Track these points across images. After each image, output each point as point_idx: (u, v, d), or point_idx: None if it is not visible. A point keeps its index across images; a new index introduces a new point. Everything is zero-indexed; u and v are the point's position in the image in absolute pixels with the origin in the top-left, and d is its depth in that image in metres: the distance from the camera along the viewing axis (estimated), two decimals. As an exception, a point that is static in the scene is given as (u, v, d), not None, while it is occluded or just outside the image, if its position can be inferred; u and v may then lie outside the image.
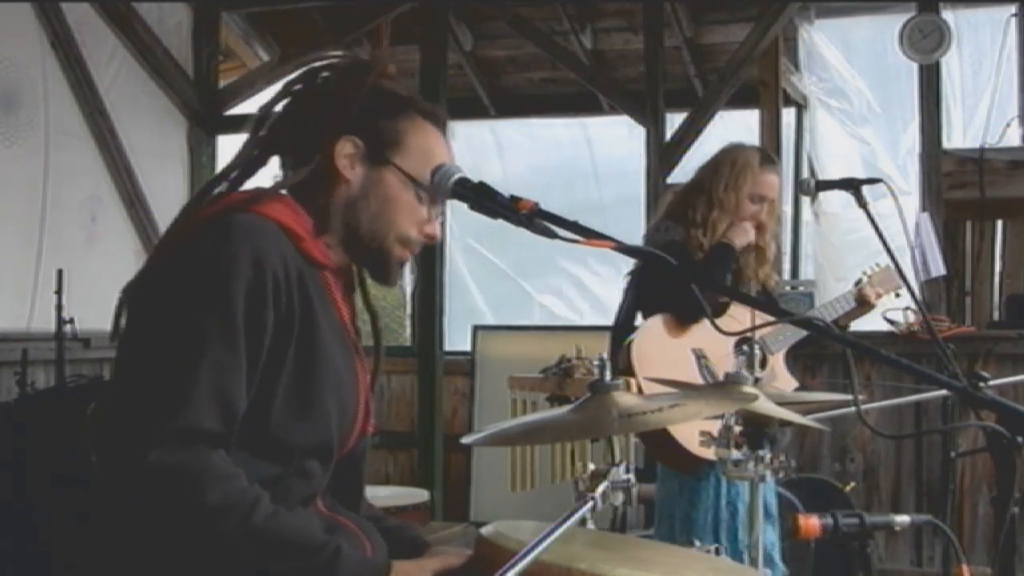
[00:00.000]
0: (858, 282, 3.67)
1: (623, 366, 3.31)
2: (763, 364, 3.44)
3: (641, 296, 3.52)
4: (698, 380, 3.33)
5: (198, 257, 1.64)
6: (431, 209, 1.84)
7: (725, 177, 3.47)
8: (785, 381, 3.43)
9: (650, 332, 3.43)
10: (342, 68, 1.85)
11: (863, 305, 3.59)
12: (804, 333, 3.44)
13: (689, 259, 3.34)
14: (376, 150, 1.80)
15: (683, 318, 3.39)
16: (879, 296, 3.62)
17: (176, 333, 1.59)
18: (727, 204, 3.44)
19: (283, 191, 1.79)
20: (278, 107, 1.84)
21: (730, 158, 3.52)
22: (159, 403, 1.54)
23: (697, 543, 2.10)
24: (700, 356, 3.41)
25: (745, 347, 3.42)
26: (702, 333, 3.37)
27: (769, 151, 3.87)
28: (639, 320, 3.54)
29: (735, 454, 2.19)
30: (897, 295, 3.72)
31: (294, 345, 1.67)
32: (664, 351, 3.35)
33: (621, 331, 3.53)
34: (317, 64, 1.86)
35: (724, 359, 3.45)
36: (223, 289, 1.60)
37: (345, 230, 1.80)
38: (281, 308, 1.65)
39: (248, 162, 1.83)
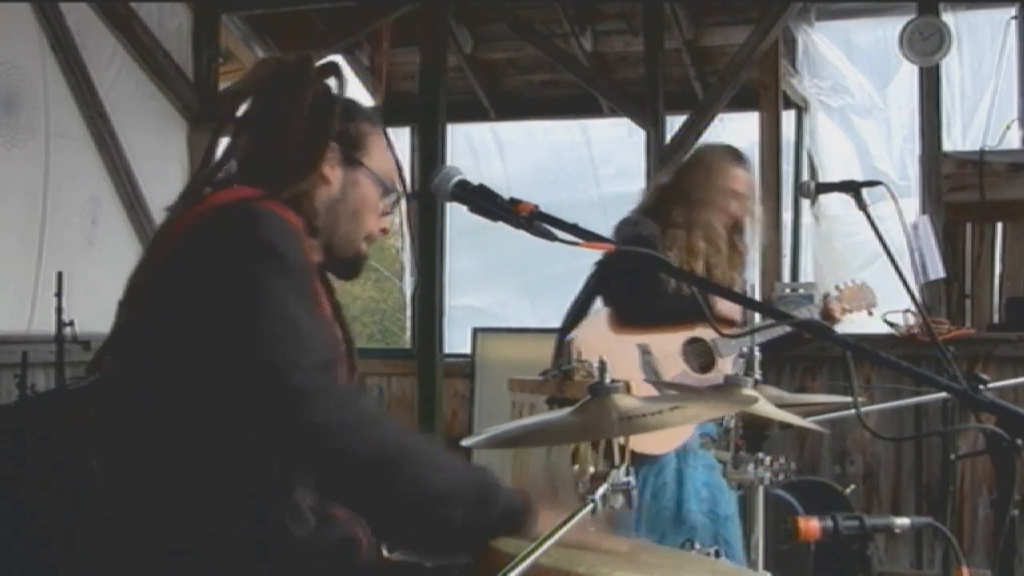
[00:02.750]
0: (826, 295, 3.67)
1: (565, 358, 3.34)
2: (710, 366, 3.45)
3: (602, 289, 3.54)
4: (638, 375, 3.35)
5: (248, 234, 1.66)
6: (389, 206, 1.96)
7: (700, 176, 3.53)
8: None
9: (594, 325, 3.47)
10: (305, 72, 1.87)
11: (828, 319, 3.57)
12: (758, 341, 3.43)
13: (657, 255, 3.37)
14: (349, 152, 1.89)
15: (634, 319, 3.41)
16: (845, 312, 3.61)
17: (255, 293, 1.61)
18: (706, 202, 3.48)
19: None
20: (259, 110, 1.87)
21: (703, 157, 3.60)
22: (280, 350, 1.56)
23: (697, 545, 2.10)
24: (645, 352, 3.42)
25: (691, 346, 3.45)
26: (652, 331, 3.39)
27: (738, 150, 3.91)
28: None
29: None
30: (870, 313, 3.70)
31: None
32: (607, 345, 3.36)
33: (571, 320, 3.55)
34: (267, 75, 1.89)
35: (671, 357, 3.46)
36: (283, 258, 1.64)
37: (326, 230, 1.87)
38: (311, 286, 1.72)
39: (222, 167, 1.86)
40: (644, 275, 3.42)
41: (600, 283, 3.56)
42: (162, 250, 1.75)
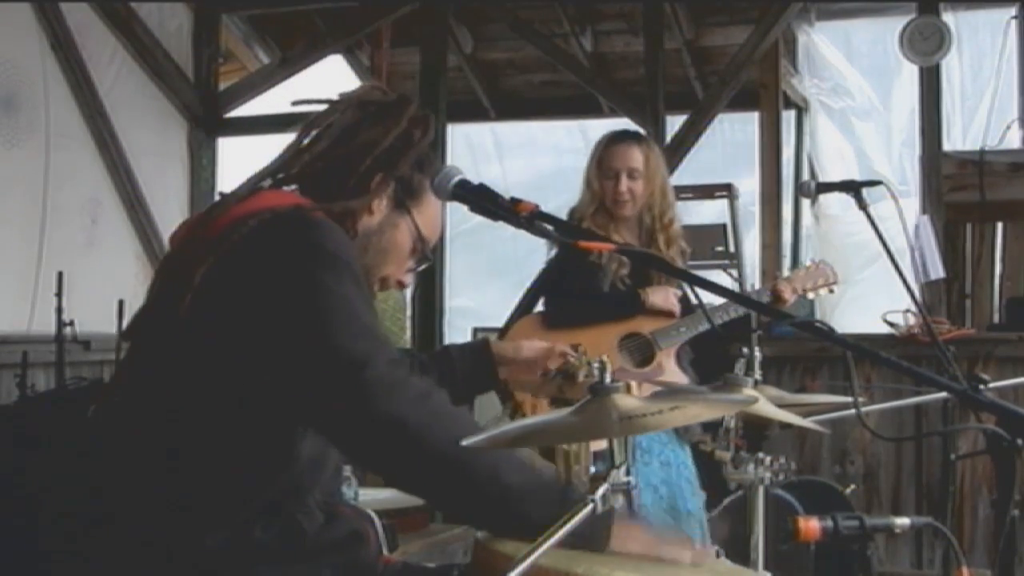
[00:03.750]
0: (776, 277, 3.66)
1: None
2: (649, 360, 3.44)
3: (543, 292, 3.55)
4: None
5: (311, 239, 1.69)
6: (415, 264, 1.99)
7: (591, 164, 3.54)
8: (673, 378, 3.41)
9: (529, 323, 3.48)
10: (403, 111, 1.93)
11: (777, 301, 3.55)
12: (700, 330, 3.43)
13: (578, 260, 3.38)
14: (403, 196, 1.93)
15: (567, 319, 3.42)
16: (796, 293, 3.58)
17: (331, 295, 1.64)
18: (596, 188, 3.49)
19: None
20: (331, 126, 1.89)
21: (591, 150, 3.59)
22: (357, 344, 1.60)
23: (697, 545, 2.10)
24: (577, 351, 3.41)
25: (629, 341, 3.45)
26: (586, 328, 3.39)
27: (627, 131, 3.89)
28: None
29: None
30: (831, 291, 3.68)
31: None
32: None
33: (512, 321, 3.56)
34: (371, 98, 1.95)
35: (607, 354, 3.44)
36: (349, 265, 1.69)
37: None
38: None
39: (289, 168, 1.88)
40: (580, 278, 3.43)
41: (541, 287, 3.57)
42: (207, 240, 1.74)
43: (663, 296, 3.43)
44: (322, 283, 1.64)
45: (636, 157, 3.50)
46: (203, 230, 1.77)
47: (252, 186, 1.85)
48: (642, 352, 3.44)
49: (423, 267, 2.02)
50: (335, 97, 1.93)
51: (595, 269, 3.43)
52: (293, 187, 1.89)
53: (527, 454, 1.73)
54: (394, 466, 1.64)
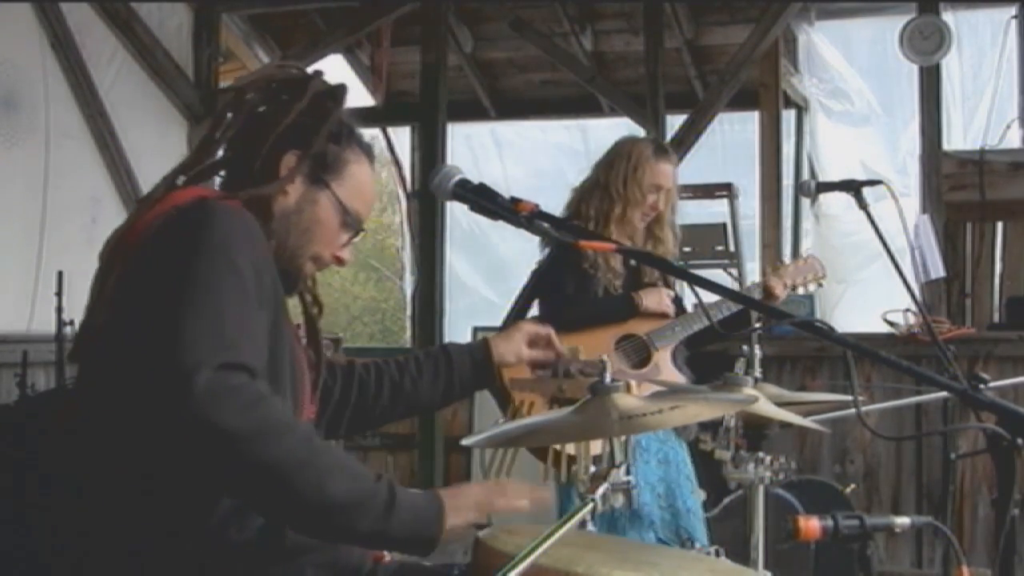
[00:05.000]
0: (765, 273, 3.67)
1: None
2: (646, 361, 3.44)
3: (537, 296, 3.56)
4: None
5: (196, 228, 1.65)
6: (347, 235, 1.94)
7: (623, 170, 3.51)
8: (670, 377, 3.42)
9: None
10: (306, 88, 1.88)
11: (768, 296, 3.56)
12: (695, 328, 3.44)
13: (578, 258, 3.39)
14: (318, 171, 1.89)
15: (563, 324, 3.43)
16: (787, 288, 3.59)
17: (187, 282, 1.59)
18: (627, 196, 3.47)
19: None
20: (237, 112, 1.88)
21: (625, 151, 3.56)
22: (194, 343, 1.53)
23: (697, 545, 2.10)
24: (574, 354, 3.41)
25: (625, 343, 3.45)
26: (582, 331, 3.39)
27: (662, 143, 3.91)
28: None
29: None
30: (820, 284, 3.69)
31: (273, 323, 1.72)
32: None
33: (509, 320, 3.57)
34: (274, 77, 1.92)
35: (604, 356, 3.43)
36: (229, 254, 1.63)
37: (275, 239, 1.85)
38: (270, 285, 1.71)
39: (206, 162, 1.89)
40: (574, 280, 3.43)
41: (535, 290, 3.57)
42: (123, 248, 1.74)
43: (656, 299, 3.44)
44: (192, 277, 1.59)
45: (673, 175, 3.55)
46: (124, 238, 1.76)
47: (168, 184, 1.84)
48: (639, 353, 3.44)
49: (358, 238, 1.98)
50: (235, 85, 1.92)
51: (588, 276, 3.44)
52: (217, 179, 1.89)
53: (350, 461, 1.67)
54: (216, 475, 1.57)
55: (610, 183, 3.50)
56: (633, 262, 3.51)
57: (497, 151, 7.39)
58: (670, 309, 3.46)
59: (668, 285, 3.55)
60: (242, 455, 1.53)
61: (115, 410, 1.62)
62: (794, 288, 3.60)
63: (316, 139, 1.86)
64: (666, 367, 3.42)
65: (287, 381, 1.77)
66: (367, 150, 1.97)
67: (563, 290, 3.45)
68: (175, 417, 1.50)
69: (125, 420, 1.60)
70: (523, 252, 6.94)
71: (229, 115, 1.88)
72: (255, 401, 1.54)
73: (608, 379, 1.77)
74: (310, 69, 1.95)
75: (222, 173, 1.93)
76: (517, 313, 3.59)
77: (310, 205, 1.88)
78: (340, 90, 1.93)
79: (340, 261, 1.96)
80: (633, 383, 1.83)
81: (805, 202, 6.30)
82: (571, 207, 3.60)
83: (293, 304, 1.97)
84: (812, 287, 3.67)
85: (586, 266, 3.43)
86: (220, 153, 1.91)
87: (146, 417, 1.54)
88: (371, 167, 1.97)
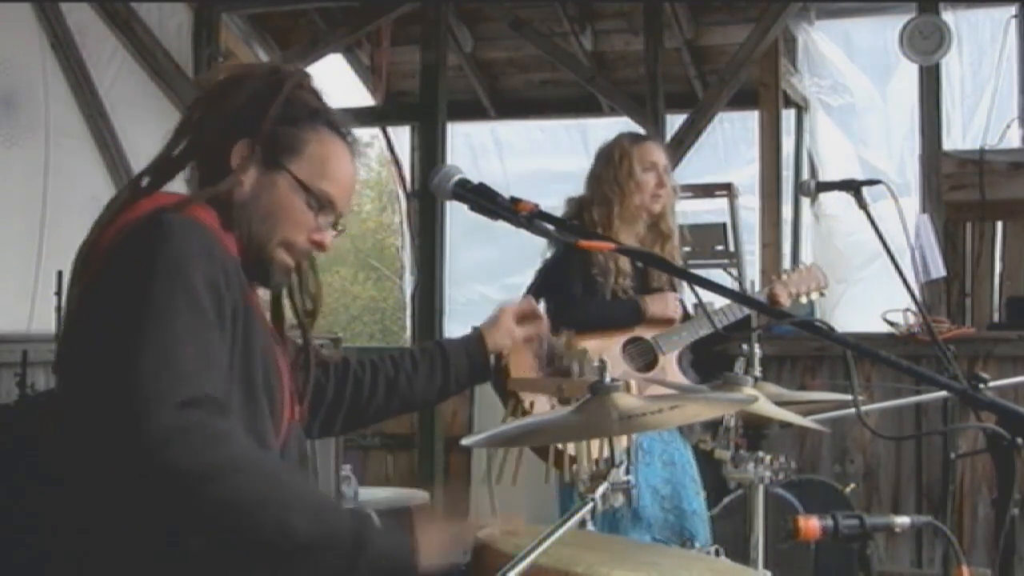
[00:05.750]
0: (771, 280, 3.68)
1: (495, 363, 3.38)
2: (653, 364, 3.45)
3: (542, 296, 3.56)
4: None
5: (150, 250, 1.62)
6: (322, 218, 1.84)
7: (611, 170, 3.52)
8: (675, 380, 3.43)
9: None
10: (256, 77, 1.85)
11: (774, 305, 3.57)
12: (701, 334, 3.44)
13: (586, 260, 3.41)
14: (271, 155, 1.80)
15: (569, 325, 3.44)
16: (791, 296, 3.61)
17: (142, 311, 1.55)
18: (624, 192, 3.48)
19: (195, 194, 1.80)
20: (195, 109, 1.86)
21: (607, 152, 3.58)
22: (149, 380, 1.50)
23: (698, 544, 2.10)
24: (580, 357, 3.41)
25: (632, 346, 3.46)
26: (588, 333, 3.40)
27: (638, 132, 3.92)
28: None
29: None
30: (822, 294, 3.71)
31: (241, 334, 1.68)
32: None
33: None
34: (237, 75, 1.88)
35: (611, 359, 3.45)
36: (184, 277, 1.59)
37: (238, 230, 1.80)
38: (231, 298, 1.67)
39: (166, 164, 1.85)
40: (581, 282, 3.44)
41: (540, 291, 3.57)
42: (86, 263, 1.72)
43: (662, 305, 3.45)
44: (145, 306, 1.55)
45: (659, 152, 3.56)
46: (90, 251, 1.74)
47: (132, 188, 1.81)
48: (645, 357, 3.45)
49: (336, 221, 1.86)
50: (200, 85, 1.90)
51: (594, 280, 3.45)
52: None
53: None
54: (175, 516, 1.54)
55: (603, 186, 3.51)
56: (640, 262, 3.52)
57: (497, 151, 7.39)
58: (676, 315, 3.47)
59: (674, 287, 3.55)
60: (199, 496, 1.50)
61: (73, 443, 1.58)
62: (797, 297, 3.62)
63: (264, 122, 1.79)
64: (672, 370, 3.43)
65: (260, 392, 1.73)
66: (335, 126, 1.86)
67: (570, 290, 3.45)
68: (129, 458, 1.48)
69: (81, 454, 1.56)
70: (527, 251, 6.99)
71: (191, 114, 1.86)
72: (213, 439, 1.51)
73: (608, 379, 1.77)
74: (308, 69, 1.94)
75: (188, 172, 1.88)
76: None
77: (268, 190, 1.81)
78: (280, 72, 1.85)
79: (319, 245, 1.86)
80: (633, 382, 1.83)
81: (805, 201, 6.30)
82: (571, 217, 3.58)
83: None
84: (815, 296, 3.69)
85: (595, 272, 3.43)
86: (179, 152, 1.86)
87: (100, 456, 1.51)
88: (344, 146, 1.87)
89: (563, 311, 3.45)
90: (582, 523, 1.62)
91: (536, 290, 3.59)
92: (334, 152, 1.85)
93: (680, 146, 5.77)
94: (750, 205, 6.14)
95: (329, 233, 1.86)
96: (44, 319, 5.18)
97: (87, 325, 1.63)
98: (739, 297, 2.44)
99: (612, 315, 3.44)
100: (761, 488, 2.24)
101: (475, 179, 1.79)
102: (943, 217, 5.34)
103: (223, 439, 1.52)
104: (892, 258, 2.85)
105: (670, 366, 3.42)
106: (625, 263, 3.48)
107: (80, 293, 1.69)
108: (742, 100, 6.03)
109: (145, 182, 1.82)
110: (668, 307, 3.45)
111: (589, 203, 3.54)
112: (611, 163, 3.53)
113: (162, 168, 1.85)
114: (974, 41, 5.94)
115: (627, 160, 3.51)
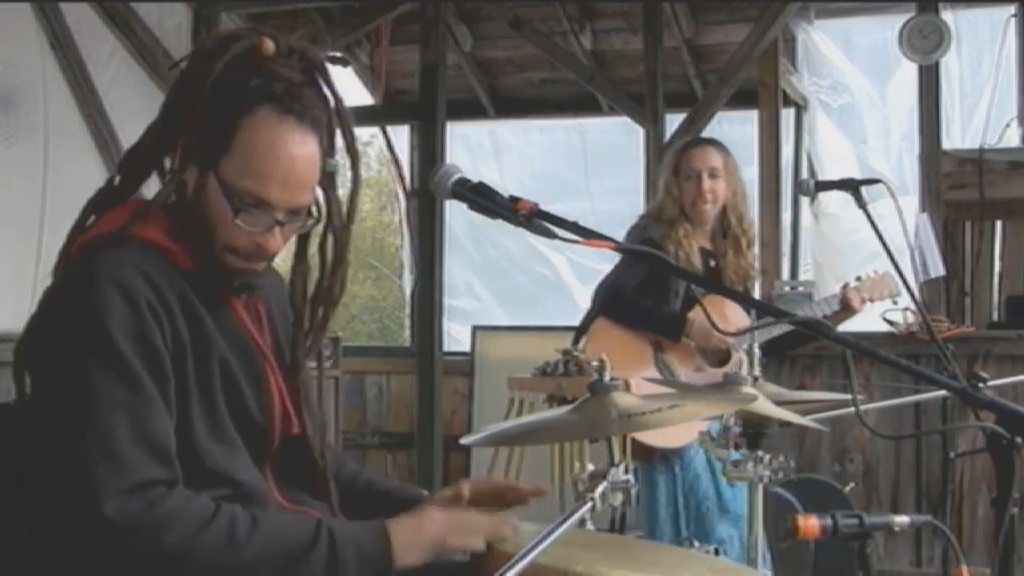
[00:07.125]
0: (846, 285, 3.69)
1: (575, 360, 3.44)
2: (727, 359, 3.50)
3: (611, 275, 3.61)
4: (652, 372, 3.38)
5: (67, 306, 1.60)
6: (260, 218, 1.65)
7: (665, 176, 3.66)
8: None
9: (605, 324, 3.54)
10: (198, 54, 1.72)
11: (846, 309, 3.59)
12: (773, 335, 3.48)
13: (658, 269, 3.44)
14: (204, 152, 1.63)
15: (613, 312, 3.52)
16: (865, 302, 3.63)
17: (76, 394, 1.53)
18: (671, 194, 3.58)
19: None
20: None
21: (664, 162, 3.75)
22: (93, 470, 1.48)
23: (696, 544, 2.10)
24: (658, 348, 3.46)
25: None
26: (625, 332, 3.46)
27: (699, 137, 4.11)
28: None
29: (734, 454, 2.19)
30: (894, 302, 3.72)
31: (193, 366, 1.62)
32: (618, 341, 3.46)
33: (589, 318, 3.63)
34: (195, 51, 1.78)
35: (686, 352, 3.49)
36: (101, 332, 1.54)
37: (189, 235, 1.68)
38: (166, 331, 1.59)
39: (135, 162, 1.78)
40: (634, 278, 3.48)
41: (607, 276, 3.62)
42: (56, 271, 1.73)
43: (702, 339, 3.47)
44: (78, 385, 1.52)
45: (715, 157, 3.62)
46: (61, 259, 1.74)
47: (104, 192, 1.79)
48: (719, 353, 3.50)
49: (305, 216, 1.69)
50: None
51: (666, 288, 3.49)
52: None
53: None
54: None
55: (659, 194, 3.66)
56: (712, 262, 3.58)
57: (496, 150, 7.38)
58: (744, 321, 3.50)
59: (747, 286, 3.65)
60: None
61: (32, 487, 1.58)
62: (871, 302, 3.66)
63: (193, 115, 1.62)
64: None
65: (227, 422, 1.66)
66: (280, 102, 1.63)
67: (623, 283, 3.51)
68: (88, 539, 1.48)
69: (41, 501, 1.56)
70: (526, 251, 6.99)
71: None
72: (163, 522, 1.48)
73: (607, 378, 1.77)
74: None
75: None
76: (598, 310, 3.59)
77: (200, 193, 1.63)
78: (230, 39, 1.66)
79: (262, 249, 1.67)
80: (632, 382, 1.83)
81: (804, 201, 6.30)
82: (652, 208, 3.72)
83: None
84: (889, 303, 3.73)
85: (671, 281, 3.49)
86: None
87: (58, 525, 1.51)
88: (285, 126, 1.63)
89: (611, 301, 3.50)
90: (582, 522, 1.62)
91: (606, 276, 3.64)
92: (267, 139, 1.62)
93: (679, 145, 5.77)
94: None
95: (276, 235, 1.67)
96: (43, 319, 5.17)
97: (35, 389, 1.63)
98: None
99: (653, 322, 3.50)
100: (760, 487, 2.24)
101: (474, 178, 1.78)
102: (942, 216, 5.34)
103: (173, 517, 1.49)
104: (891, 257, 2.86)
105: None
106: (696, 259, 3.54)
107: (31, 346, 1.68)
108: (741, 99, 6.03)
109: (117, 181, 1.78)
110: (708, 343, 3.48)
111: (657, 213, 3.65)
112: (662, 171, 3.69)
113: (132, 167, 1.78)
114: (973, 40, 5.93)
115: (670, 169, 3.63)
